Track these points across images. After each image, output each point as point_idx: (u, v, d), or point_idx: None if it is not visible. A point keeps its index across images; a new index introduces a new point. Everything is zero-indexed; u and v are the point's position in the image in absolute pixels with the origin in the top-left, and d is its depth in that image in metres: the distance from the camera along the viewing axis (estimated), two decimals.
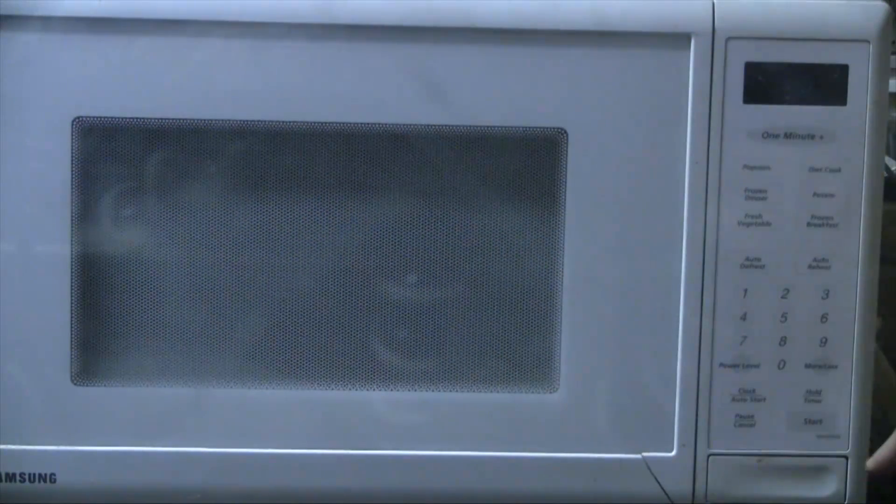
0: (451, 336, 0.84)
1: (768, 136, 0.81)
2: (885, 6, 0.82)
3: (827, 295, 0.83)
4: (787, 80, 0.81)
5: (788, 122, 0.81)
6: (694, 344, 0.83)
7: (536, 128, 0.82)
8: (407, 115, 0.81)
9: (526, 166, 0.82)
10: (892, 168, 1.32)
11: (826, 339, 0.83)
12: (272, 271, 0.83)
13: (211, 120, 0.81)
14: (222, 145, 0.82)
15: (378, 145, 0.82)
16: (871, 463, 0.85)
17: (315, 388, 0.83)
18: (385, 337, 0.84)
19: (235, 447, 0.83)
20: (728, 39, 0.81)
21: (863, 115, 0.81)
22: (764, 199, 0.82)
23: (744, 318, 0.83)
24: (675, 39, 0.81)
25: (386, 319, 0.84)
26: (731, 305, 0.82)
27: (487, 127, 0.82)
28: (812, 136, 0.81)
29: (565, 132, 0.82)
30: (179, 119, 0.81)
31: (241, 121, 0.81)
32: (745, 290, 0.82)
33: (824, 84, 0.81)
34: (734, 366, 0.83)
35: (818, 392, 0.83)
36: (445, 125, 0.82)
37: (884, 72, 0.81)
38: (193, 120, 0.81)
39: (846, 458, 0.84)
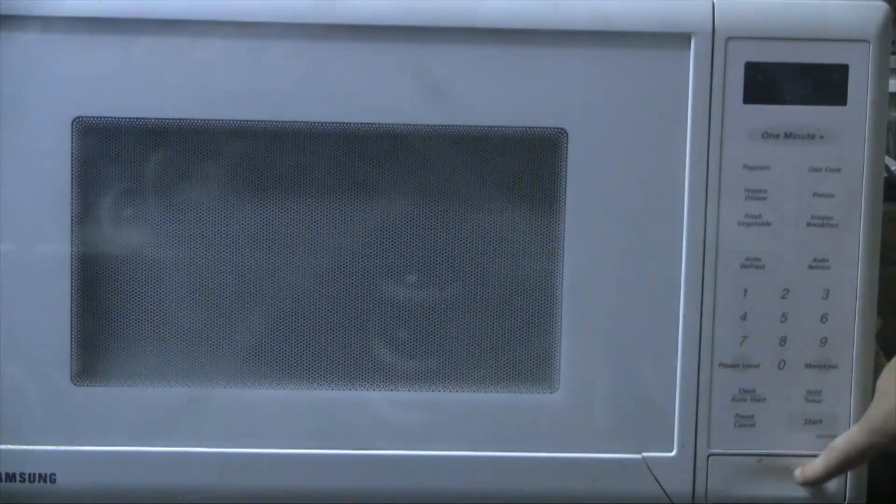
0: (451, 336, 0.84)
1: (768, 136, 0.81)
2: (885, 6, 0.81)
3: (827, 295, 0.82)
4: (787, 80, 0.81)
5: (788, 122, 0.81)
6: (694, 344, 0.83)
7: (536, 128, 0.82)
8: (407, 115, 0.81)
9: (526, 166, 0.82)
10: (892, 168, 1.32)
11: (826, 339, 0.83)
12: (272, 271, 0.83)
13: (211, 120, 0.81)
14: (222, 145, 0.82)
15: (378, 145, 0.82)
16: (799, 474, 0.83)
17: (315, 388, 0.83)
18: (385, 337, 0.84)
19: (235, 447, 0.83)
20: (728, 39, 0.81)
21: (863, 115, 0.81)
22: (764, 199, 0.82)
23: (744, 318, 0.82)
24: (675, 39, 0.81)
25: (386, 319, 0.83)
26: (731, 305, 0.82)
27: (487, 127, 0.82)
28: (812, 136, 0.81)
29: (565, 132, 0.81)
30: (179, 119, 0.81)
31: (241, 121, 0.81)
32: (745, 290, 0.82)
33: (824, 84, 0.81)
34: (734, 366, 0.83)
35: (818, 392, 0.83)
36: (445, 125, 0.81)
37: (884, 72, 0.81)
38: (193, 120, 0.81)
39: None
